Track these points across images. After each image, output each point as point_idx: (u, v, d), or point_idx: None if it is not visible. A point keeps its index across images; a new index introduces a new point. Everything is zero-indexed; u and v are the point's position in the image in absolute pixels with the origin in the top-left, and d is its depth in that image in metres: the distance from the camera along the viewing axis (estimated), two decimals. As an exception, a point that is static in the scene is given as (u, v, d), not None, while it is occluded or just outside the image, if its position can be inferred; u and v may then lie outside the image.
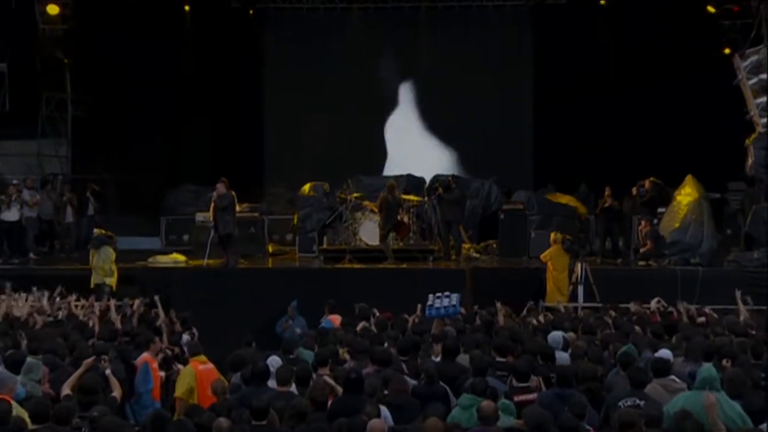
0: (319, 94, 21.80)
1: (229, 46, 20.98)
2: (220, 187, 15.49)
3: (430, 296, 10.49)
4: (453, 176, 19.02)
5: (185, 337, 10.80)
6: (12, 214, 17.27)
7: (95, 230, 16.09)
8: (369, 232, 17.10)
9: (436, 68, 21.74)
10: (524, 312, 12.17)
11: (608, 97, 20.11)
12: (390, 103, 21.72)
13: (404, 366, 8.52)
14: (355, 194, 18.19)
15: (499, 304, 11.74)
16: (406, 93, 21.71)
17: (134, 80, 20.44)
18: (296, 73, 21.89)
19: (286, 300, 13.91)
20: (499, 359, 8.73)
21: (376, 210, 16.98)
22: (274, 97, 22.02)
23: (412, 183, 19.81)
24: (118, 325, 10.92)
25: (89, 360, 8.23)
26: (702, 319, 11.24)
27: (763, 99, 16.17)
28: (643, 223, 16.89)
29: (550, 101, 20.85)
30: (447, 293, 10.50)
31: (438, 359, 8.75)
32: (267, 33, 22.05)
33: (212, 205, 15.69)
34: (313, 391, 7.32)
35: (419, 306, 11.61)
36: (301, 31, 22.00)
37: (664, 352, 8.39)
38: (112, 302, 12.35)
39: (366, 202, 17.47)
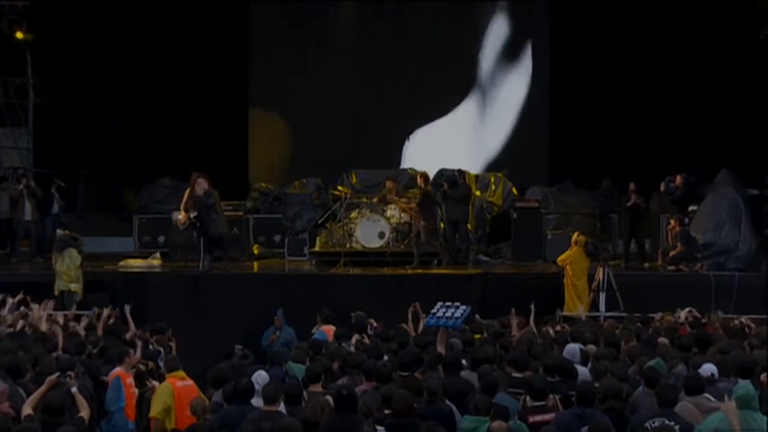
0: (311, 79, 21.77)
1: (211, 26, 20.95)
2: (203, 182, 15.52)
3: (438, 304, 10.55)
4: (459, 170, 19.02)
5: (161, 350, 10.79)
6: (-35, 213, 17.32)
7: (59, 231, 16.09)
8: (366, 233, 17.11)
9: (442, 53, 21.73)
10: (532, 321, 12.17)
11: (633, 84, 20.10)
12: (390, 91, 21.70)
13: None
14: (350, 190, 18.20)
15: (514, 312, 11.75)
16: (407, 80, 21.68)
17: (104, 63, 20.43)
18: (285, 56, 21.84)
19: (272, 309, 13.92)
20: (515, 375, 8.73)
21: (408, 206, 16.87)
22: (260, 82, 21.98)
23: (414, 178, 19.80)
24: (83, 336, 10.92)
25: (53, 376, 8.24)
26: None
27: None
28: (672, 222, 16.89)
29: (567, 88, 20.83)
30: (458, 304, 10.56)
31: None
32: (253, 11, 22.03)
33: (187, 201, 15.75)
34: (306, 411, 7.33)
35: (410, 312, 11.66)
36: (291, 9, 21.99)
37: (708, 367, 8.38)
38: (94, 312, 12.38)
39: (398, 199, 17.27)
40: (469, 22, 21.83)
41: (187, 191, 16.64)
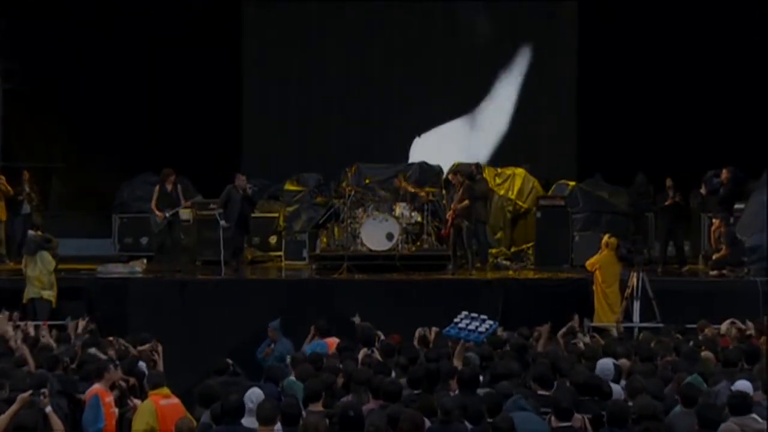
0: (310, 65, 21.81)
1: (202, 14, 20.95)
2: (243, 178, 16.50)
3: (463, 314, 10.56)
4: (477, 165, 19.00)
5: (143, 364, 10.82)
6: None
7: (30, 232, 16.12)
8: (373, 234, 17.11)
9: (455, 37, 21.75)
10: (560, 333, 12.20)
11: (669, 68, 20.05)
12: (398, 79, 21.73)
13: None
14: (354, 186, 18.21)
15: (544, 327, 11.80)
16: (418, 66, 21.71)
17: (82, 47, 20.44)
18: (281, 40, 21.89)
19: (268, 318, 13.93)
20: (541, 392, 8.73)
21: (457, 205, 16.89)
22: (255, 69, 22.02)
23: (426, 173, 19.83)
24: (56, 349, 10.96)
25: (25, 394, 8.25)
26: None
27: None
28: (716, 222, 16.85)
29: (596, 73, 20.78)
30: (484, 317, 10.58)
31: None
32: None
33: (159, 198, 16.51)
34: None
35: (418, 335, 11.65)
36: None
37: (742, 384, 8.40)
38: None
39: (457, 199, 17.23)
40: (486, 11, 21.82)
41: (157, 188, 16.78)
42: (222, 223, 16.41)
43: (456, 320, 10.50)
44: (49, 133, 20.77)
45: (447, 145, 21.32)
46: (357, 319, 12.60)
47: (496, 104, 21.89)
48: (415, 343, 11.55)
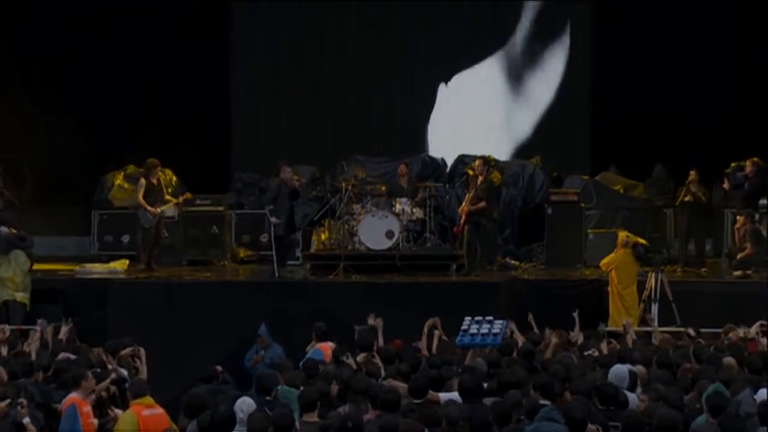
0: (303, 50, 21.82)
1: (200, 9, 20.97)
2: (289, 170, 16.42)
3: (467, 320, 10.56)
4: (483, 157, 18.98)
5: (124, 372, 10.83)
6: None
7: (4, 229, 16.14)
8: (371, 232, 17.12)
9: (459, 22, 21.76)
10: (576, 338, 12.22)
11: (689, 52, 20.02)
12: (398, 66, 21.74)
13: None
14: (353, 181, 18.23)
15: (548, 331, 11.80)
16: (420, 52, 21.71)
17: (60, 27, 20.44)
18: (272, 24, 21.90)
19: (259, 323, 13.96)
20: (542, 402, 8.74)
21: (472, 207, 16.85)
22: (244, 54, 22.02)
23: (429, 166, 19.83)
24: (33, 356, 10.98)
25: (2, 404, 8.25)
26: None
27: None
28: (740, 219, 16.86)
29: (611, 59, 20.76)
30: (490, 318, 10.59)
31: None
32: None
33: (149, 192, 16.36)
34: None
35: (427, 327, 11.68)
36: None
37: (765, 392, 8.41)
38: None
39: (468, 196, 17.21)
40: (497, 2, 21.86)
41: (144, 181, 16.70)
42: (273, 219, 16.31)
43: (464, 327, 10.50)
44: (22, 121, 20.74)
45: (457, 134, 21.33)
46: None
47: (509, 94, 21.87)
48: (425, 334, 11.58)
